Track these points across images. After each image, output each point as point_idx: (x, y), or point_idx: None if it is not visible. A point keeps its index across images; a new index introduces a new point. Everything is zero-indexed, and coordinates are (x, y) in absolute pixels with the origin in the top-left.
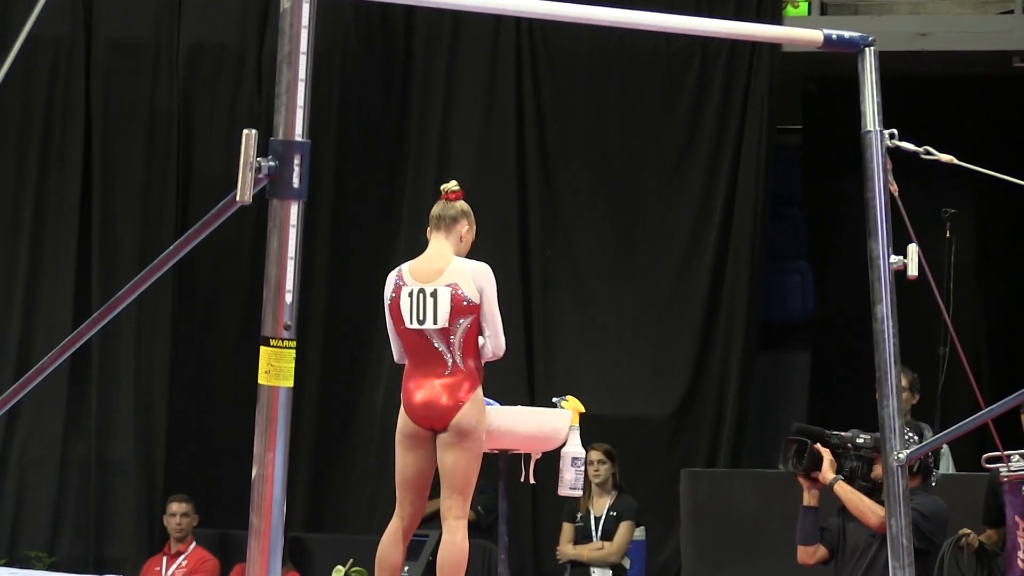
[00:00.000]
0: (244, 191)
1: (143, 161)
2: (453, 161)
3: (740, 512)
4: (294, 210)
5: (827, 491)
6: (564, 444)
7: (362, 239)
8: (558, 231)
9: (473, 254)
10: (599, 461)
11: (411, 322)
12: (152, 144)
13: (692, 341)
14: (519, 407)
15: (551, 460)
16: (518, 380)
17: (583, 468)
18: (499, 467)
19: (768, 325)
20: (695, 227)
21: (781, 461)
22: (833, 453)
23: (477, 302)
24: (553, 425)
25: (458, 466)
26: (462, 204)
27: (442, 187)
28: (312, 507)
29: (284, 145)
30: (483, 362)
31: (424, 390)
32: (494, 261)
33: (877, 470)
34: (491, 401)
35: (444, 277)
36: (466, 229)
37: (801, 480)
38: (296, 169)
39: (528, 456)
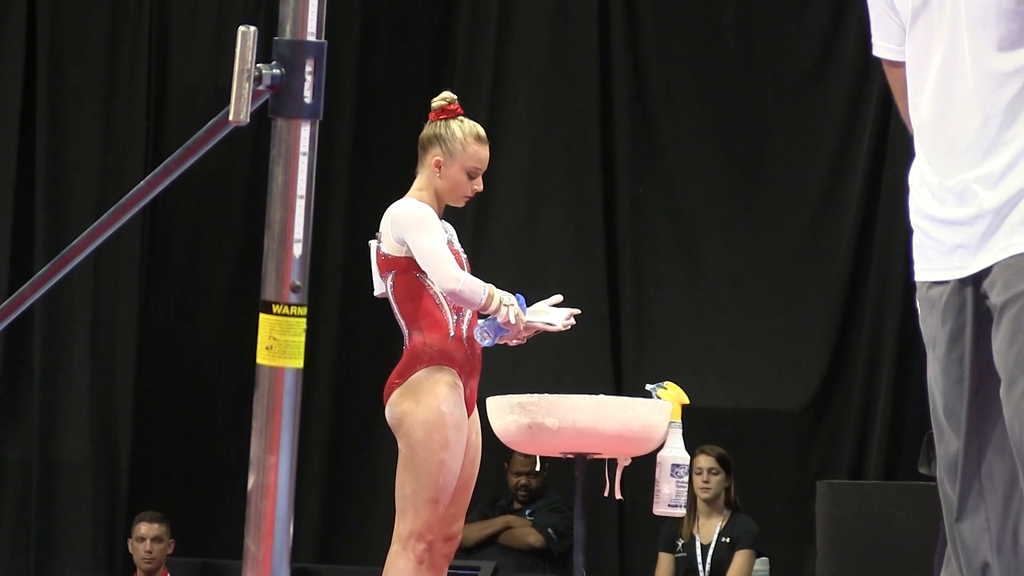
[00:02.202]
0: (239, 108)
1: (104, 66)
2: (513, 69)
3: (895, 536)
4: (305, 133)
5: None
6: (661, 447)
7: (393, 171)
8: (653, 162)
9: (542, 192)
10: (708, 470)
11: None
12: (116, 43)
13: (832, 310)
14: (601, 397)
15: (644, 468)
16: (600, 362)
17: (687, 479)
18: (575, 477)
19: None
20: (836, 157)
21: (922, 463)
22: None
23: (396, 255)
24: (646, 421)
25: (397, 471)
26: (440, 126)
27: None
28: (325, 529)
29: (292, 47)
30: (447, 333)
31: None
32: (568, 202)
33: None
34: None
35: (381, 225)
36: (438, 158)
37: None
38: (308, 79)
39: (614, 462)
